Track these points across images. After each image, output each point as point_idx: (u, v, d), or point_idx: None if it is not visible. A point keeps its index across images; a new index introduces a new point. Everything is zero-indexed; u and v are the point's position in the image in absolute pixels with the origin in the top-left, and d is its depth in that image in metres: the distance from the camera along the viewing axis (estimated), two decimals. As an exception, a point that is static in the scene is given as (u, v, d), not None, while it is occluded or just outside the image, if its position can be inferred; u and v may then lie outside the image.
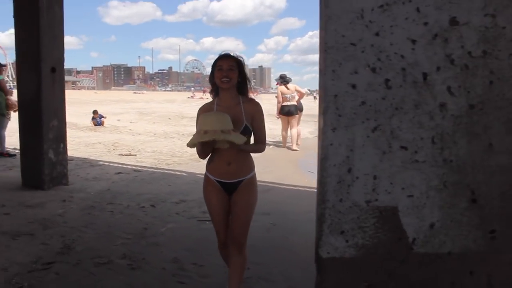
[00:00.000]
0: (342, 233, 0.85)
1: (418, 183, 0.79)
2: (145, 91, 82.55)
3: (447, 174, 0.77)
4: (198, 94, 53.03)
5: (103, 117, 14.20)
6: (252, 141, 2.55)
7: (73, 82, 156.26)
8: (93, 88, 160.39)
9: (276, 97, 10.03)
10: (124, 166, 7.17)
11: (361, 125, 0.80)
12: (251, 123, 2.44)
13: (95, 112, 14.03)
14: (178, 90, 76.24)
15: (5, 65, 7.65)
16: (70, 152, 8.02)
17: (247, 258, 2.58)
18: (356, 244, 0.84)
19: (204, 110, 2.50)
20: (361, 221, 0.84)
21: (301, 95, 9.77)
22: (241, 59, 2.48)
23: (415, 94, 0.77)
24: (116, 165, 7.25)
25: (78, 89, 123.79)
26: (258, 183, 2.61)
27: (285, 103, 9.49)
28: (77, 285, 2.89)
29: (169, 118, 19.08)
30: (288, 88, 9.50)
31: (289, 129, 9.61)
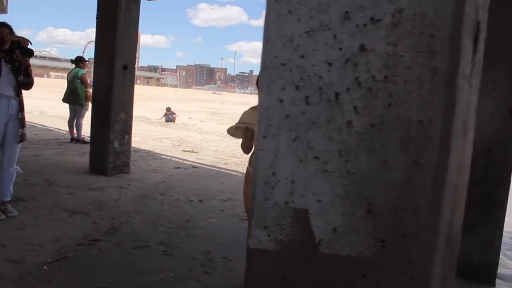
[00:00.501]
0: (265, 228, 0.97)
1: (326, 190, 0.88)
2: (223, 92, 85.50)
3: (349, 185, 0.86)
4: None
5: (174, 114, 15.04)
6: None
7: (158, 79, 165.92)
8: (175, 86, 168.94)
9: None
10: (184, 161, 7.62)
11: (284, 135, 0.91)
12: None
13: (168, 109, 14.92)
14: (257, 93, 77.71)
15: (87, 61, 8.49)
16: (138, 144, 8.72)
17: None
18: (276, 239, 0.95)
19: (254, 107, 2.83)
20: (280, 219, 0.95)
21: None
22: None
23: (328, 111, 0.86)
24: (177, 160, 7.72)
25: (162, 86, 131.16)
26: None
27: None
28: (114, 261, 3.22)
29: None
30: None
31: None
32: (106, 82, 5.88)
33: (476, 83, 1.01)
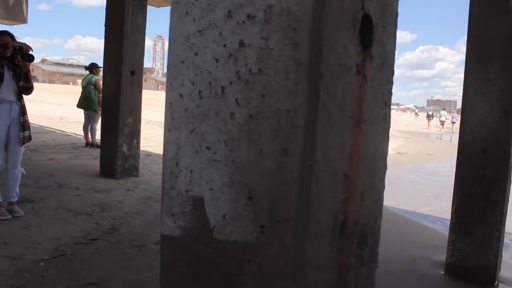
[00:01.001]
0: (172, 215, 1.04)
1: (216, 178, 0.95)
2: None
3: (234, 173, 0.92)
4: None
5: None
6: None
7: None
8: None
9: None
10: (194, 165, 7.75)
11: (184, 127, 0.99)
12: None
13: None
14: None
15: (101, 67, 8.77)
16: (151, 149, 8.92)
17: None
18: (180, 225, 1.03)
19: None
20: (183, 206, 1.02)
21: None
22: None
23: (216, 103, 0.93)
24: (187, 163, 7.86)
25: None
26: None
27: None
28: (109, 259, 3.35)
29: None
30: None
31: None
32: (114, 87, 6.08)
33: (382, 75, 1.06)
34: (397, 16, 1.10)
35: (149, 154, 8.35)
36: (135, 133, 6.33)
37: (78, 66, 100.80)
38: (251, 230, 0.91)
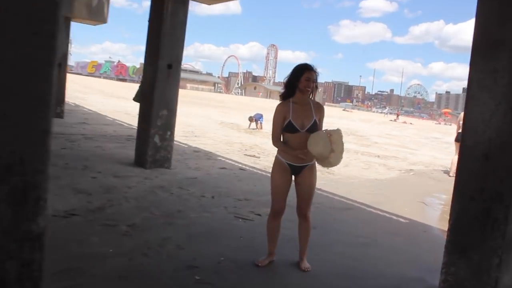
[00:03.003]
0: None
1: None
2: (355, 110, 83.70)
3: None
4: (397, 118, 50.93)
5: (260, 121, 15.35)
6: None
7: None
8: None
9: (458, 121, 9.47)
10: (236, 164, 7.84)
11: None
12: (318, 120, 3.28)
13: (250, 118, 15.35)
14: (390, 113, 74.99)
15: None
16: (204, 146, 9.28)
17: (311, 222, 3.44)
18: None
19: (282, 106, 3.29)
20: None
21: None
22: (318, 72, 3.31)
23: None
24: (230, 162, 7.99)
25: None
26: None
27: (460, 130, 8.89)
28: (73, 234, 3.58)
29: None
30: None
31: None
32: (150, 80, 6.48)
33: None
34: None
35: (197, 151, 8.68)
36: (169, 126, 6.63)
37: (192, 71, 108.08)
38: None
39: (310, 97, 3.34)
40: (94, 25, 11.57)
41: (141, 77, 8.29)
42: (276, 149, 3.41)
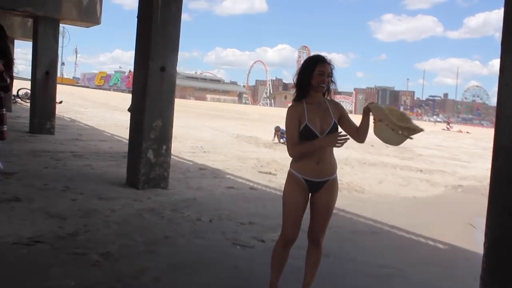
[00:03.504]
0: None
1: None
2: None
3: None
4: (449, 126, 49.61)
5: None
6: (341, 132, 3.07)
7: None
8: (350, 112, 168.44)
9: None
10: (247, 182, 7.72)
11: None
12: (338, 120, 3.10)
13: (276, 128, 15.32)
14: (444, 121, 73.54)
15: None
16: (213, 163, 9.21)
17: (323, 249, 3.23)
18: None
19: (295, 108, 3.08)
20: None
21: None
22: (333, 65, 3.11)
23: None
24: (241, 180, 7.87)
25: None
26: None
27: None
28: (32, 264, 3.53)
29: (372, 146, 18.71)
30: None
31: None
32: (140, 84, 6.45)
33: None
34: None
35: (203, 168, 8.61)
36: (165, 138, 6.56)
37: (212, 80, 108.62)
38: None
39: (326, 96, 3.16)
40: (87, 27, 11.81)
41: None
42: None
